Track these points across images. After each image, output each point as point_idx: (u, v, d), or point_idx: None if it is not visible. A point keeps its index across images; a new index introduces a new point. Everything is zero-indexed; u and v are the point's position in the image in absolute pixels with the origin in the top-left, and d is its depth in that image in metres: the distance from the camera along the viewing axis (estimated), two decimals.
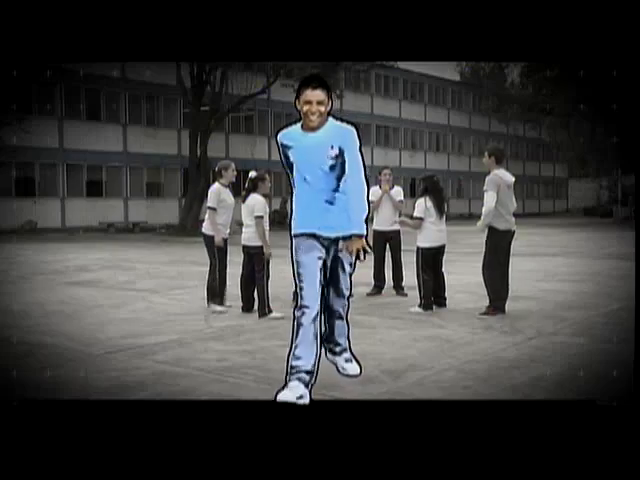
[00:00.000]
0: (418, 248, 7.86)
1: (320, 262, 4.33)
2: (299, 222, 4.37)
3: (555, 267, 12.33)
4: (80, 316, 7.60)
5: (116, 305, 8.34)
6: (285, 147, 4.38)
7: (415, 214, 7.87)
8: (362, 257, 4.33)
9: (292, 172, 4.41)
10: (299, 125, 4.35)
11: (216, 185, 8.03)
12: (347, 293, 4.65)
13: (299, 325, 4.23)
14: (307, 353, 4.21)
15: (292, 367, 4.21)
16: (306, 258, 4.29)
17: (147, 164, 30.38)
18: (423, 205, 7.83)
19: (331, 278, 4.52)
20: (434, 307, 7.78)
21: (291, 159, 4.36)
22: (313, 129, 4.27)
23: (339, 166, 4.27)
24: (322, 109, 4.20)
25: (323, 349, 4.62)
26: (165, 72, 28.18)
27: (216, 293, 7.90)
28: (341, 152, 4.24)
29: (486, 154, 7.75)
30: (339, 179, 4.30)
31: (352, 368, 4.68)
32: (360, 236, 4.26)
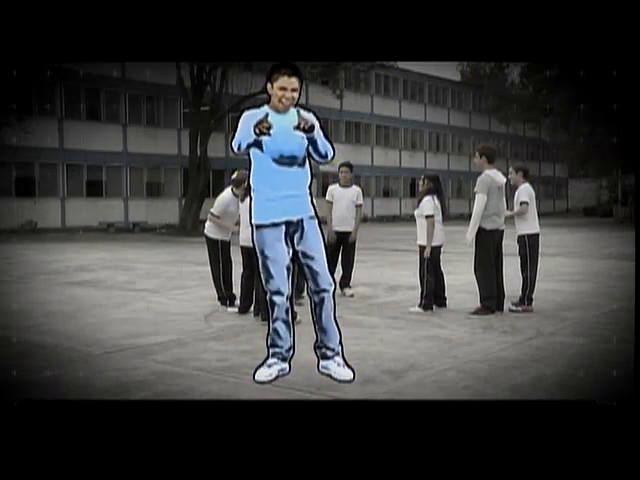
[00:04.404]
0: (424, 247, 7.76)
1: (287, 250, 4.49)
2: (266, 211, 4.47)
3: (555, 267, 12.31)
4: (80, 316, 7.60)
5: (116, 305, 8.34)
6: (252, 122, 4.37)
7: (427, 212, 7.70)
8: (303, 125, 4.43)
9: (255, 154, 4.47)
10: (265, 108, 4.47)
11: (229, 195, 7.83)
12: (328, 282, 4.53)
13: (274, 306, 4.51)
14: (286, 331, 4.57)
15: (273, 346, 4.56)
16: (274, 251, 4.47)
17: (147, 164, 30.37)
18: (432, 203, 7.77)
19: (307, 267, 4.53)
20: (434, 307, 7.78)
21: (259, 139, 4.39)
22: (280, 112, 4.43)
23: (304, 152, 4.49)
24: (295, 96, 4.43)
25: (316, 358, 4.66)
26: (165, 72, 28.16)
27: (224, 294, 7.88)
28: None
29: (477, 154, 7.74)
30: (304, 165, 4.51)
31: (345, 373, 4.60)
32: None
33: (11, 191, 26.55)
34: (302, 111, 4.50)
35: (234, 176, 7.88)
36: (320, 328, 4.59)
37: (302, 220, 4.49)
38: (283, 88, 4.37)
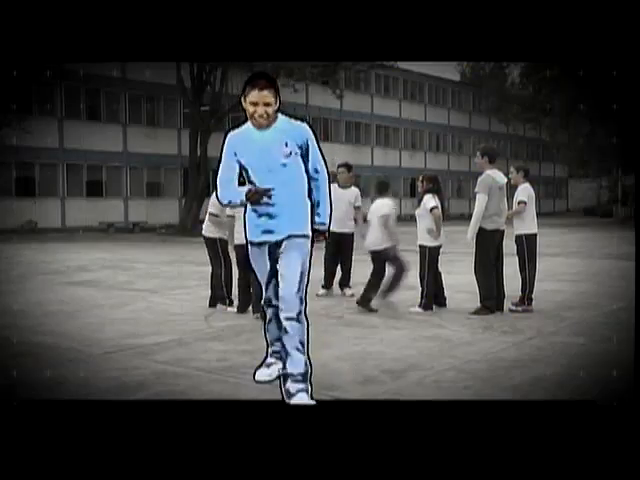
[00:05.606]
0: (425, 247, 7.76)
1: (270, 264, 4.35)
2: (251, 230, 4.36)
3: (555, 267, 12.32)
4: (80, 316, 7.60)
5: (116, 305, 8.34)
6: (234, 149, 4.21)
7: (431, 204, 7.69)
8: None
9: (243, 176, 4.29)
10: (249, 124, 4.20)
11: None
12: (294, 310, 4.14)
13: (266, 313, 4.55)
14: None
15: (272, 344, 4.57)
16: (258, 266, 4.45)
17: (147, 164, 30.39)
18: (434, 199, 7.78)
19: (278, 287, 4.28)
20: (434, 307, 7.78)
21: (242, 162, 4.21)
22: (262, 127, 4.14)
23: (293, 165, 4.17)
24: (269, 110, 4.06)
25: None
26: (165, 72, 28.18)
27: (223, 295, 7.88)
28: (300, 148, 4.16)
29: (478, 154, 7.75)
30: (292, 178, 4.19)
31: (300, 397, 4.13)
32: (326, 228, 4.43)
33: (11, 191, 26.58)
34: (292, 121, 4.21)
35: None
36: (284, 351, 4.22)
37: (282, 241, 4.21)
38: (254, 103, 4.03)
